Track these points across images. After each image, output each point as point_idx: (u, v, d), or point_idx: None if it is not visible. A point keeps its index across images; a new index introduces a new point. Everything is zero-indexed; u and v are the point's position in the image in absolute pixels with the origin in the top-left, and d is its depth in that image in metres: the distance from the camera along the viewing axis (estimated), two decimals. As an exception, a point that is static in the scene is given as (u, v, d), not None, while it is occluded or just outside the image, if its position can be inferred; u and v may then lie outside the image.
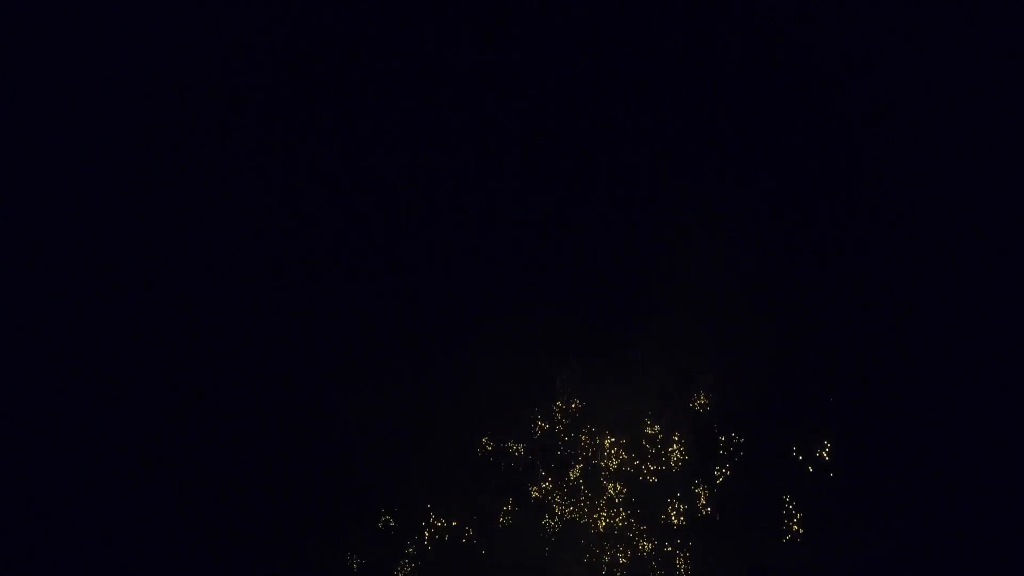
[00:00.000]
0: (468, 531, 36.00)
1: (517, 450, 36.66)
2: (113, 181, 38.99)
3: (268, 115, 39.47)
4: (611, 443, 36.61)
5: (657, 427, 36.63)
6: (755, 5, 39.75)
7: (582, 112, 39.33)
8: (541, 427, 36.85)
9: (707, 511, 36.03)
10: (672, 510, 36.02)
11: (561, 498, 36.31)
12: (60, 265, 38.39)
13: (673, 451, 36.44)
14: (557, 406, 36.95)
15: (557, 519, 36.15)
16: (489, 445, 36.72)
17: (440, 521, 36.10)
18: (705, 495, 36.14)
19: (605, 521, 36.09)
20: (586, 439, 36.73)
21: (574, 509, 36.22)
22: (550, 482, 36.42)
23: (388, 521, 36.11)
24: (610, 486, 36.34)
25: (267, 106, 39.52)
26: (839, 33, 39.44)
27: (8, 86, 39.45)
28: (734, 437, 36.51)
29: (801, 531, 35.64)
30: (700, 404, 36.78)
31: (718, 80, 39.37)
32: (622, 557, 35.83)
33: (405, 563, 35.98)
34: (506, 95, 39.47)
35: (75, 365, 37.64)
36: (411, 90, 39.53)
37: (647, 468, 36.38)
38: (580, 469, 36.53)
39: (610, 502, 36.26)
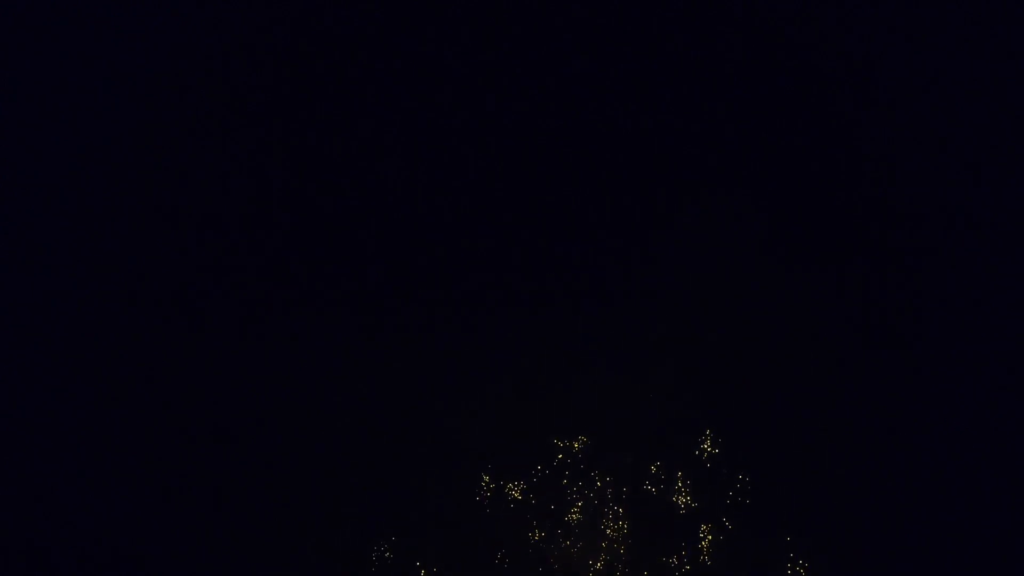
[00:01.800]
0: (466, 572, 35.45)
1: (516, 490, 35.83)
2: (113, 181, 39.02)
3: (268, 115, 39.50)
4: (612, 483, 35.71)
5: (660, 468, 35.73)
6: (755, 5, 39.77)
7: (582, 112, 39.34)
8: (540, 468, 36.02)
9: (710, 554, 35.02)
10: (674, 553, 35.04)
11: (560, 539, 35.39)
12: (60, 265, 38.39)
13: (676, 493, 35.54)
14: (557, 444, 36.14)
15: (555, 561, 35.24)
16: (488, 485, 35.90)
17: (436, 563, 35.33)
18: (709, 538, 35.12)
19: (603, 561, 35.19)
20: (586, 479, 35.77)
21: (573, 551, 35.27)
22: (549, 523, 35.46)
23: (384, 550, 35.69)
24: (610, 528, 35.34)
25: (267, 106, 39.55)
26: (839, 33, 39.45)
27: (8, 86, 39.49)
28: (740, 479, 35.73)
29: None
30: (706, 447, 36.03)
31: (718, 80, 39.38)
32: (621, 600, 35.12)
33: None
34: (506, 95, 39.48)
35: (75, 365, 37.62)
36: (411, 90, 39.54)
37: (649, 510, 35.36)
38: (580, 510, 35.55)
39: (610, 544, 35.24)
